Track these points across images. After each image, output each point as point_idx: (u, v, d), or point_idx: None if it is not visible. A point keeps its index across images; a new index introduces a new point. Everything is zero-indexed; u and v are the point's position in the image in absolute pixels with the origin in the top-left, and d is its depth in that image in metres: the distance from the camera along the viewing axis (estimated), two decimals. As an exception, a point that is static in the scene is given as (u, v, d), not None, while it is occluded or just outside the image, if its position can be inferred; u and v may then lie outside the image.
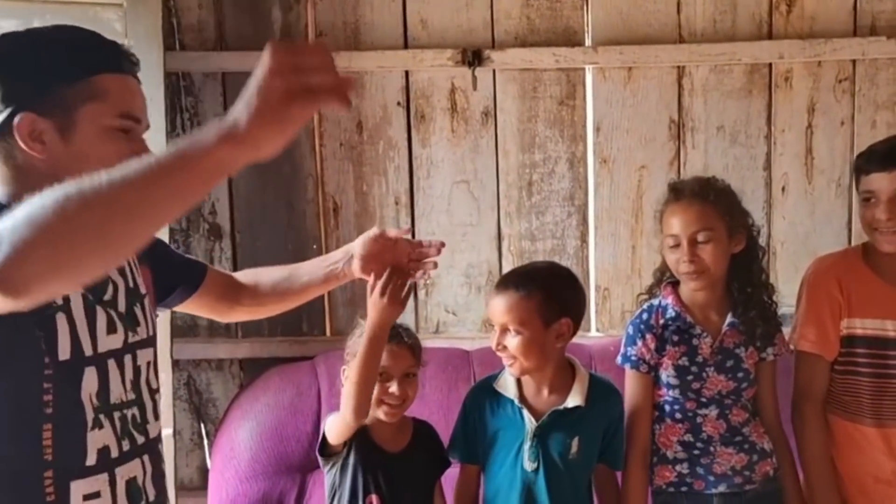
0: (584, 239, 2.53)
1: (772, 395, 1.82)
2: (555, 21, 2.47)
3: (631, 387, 1.79)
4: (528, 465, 1.67)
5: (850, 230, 2.49)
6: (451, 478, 1.83)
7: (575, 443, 1.68)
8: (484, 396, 1.74)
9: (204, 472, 2.55)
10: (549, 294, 1.66)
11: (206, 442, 2.56)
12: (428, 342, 2.46)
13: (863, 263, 1.80)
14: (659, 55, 2.44)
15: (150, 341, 1.29)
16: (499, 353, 1.68)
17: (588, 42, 2.48)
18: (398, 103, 2.49)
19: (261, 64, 0.87)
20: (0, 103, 1.11)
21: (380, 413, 1.71)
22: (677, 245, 1.71)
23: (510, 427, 1.70)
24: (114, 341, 1.20)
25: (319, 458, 1.74)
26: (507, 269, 2.51)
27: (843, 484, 1.81)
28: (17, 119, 1.11)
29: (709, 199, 1.72)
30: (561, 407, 1.69)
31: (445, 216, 2.52)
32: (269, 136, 0.87)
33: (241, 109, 0.87)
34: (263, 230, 2.53)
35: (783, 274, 2.48)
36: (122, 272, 1.25)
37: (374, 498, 1.70)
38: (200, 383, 2.57)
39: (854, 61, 2.44)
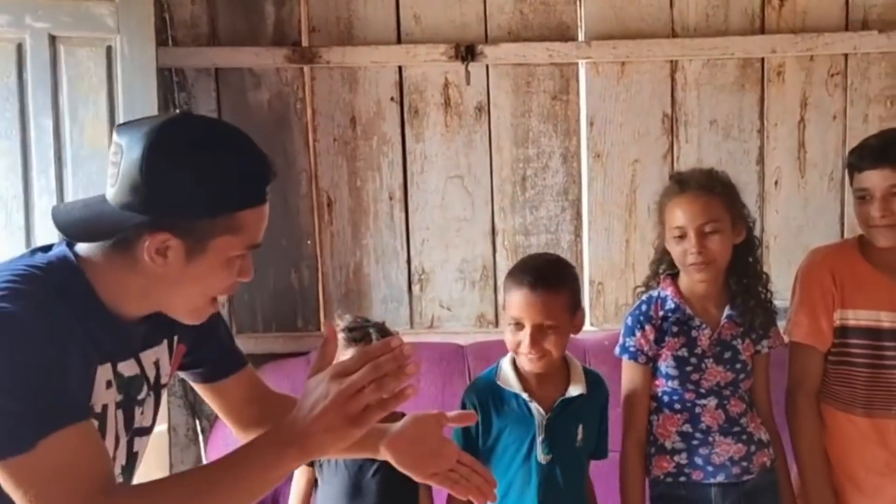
0: (577, 233, 2.54)
1: (765, 387, 1.83)
2: (548, 16, 2.47)
3: (629, 377, 1.80)
4: (543, 458, 1.68)
5: (842, 224, 2.50)
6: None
7: (580, 430, 1.71)
8: (486, 394, 1.73)
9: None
10: (572, 288, 1.72)
11: (201, 438, 2.55)
12: (422, 337, 2.49)
13: (859, 255, 1.81)
14: (652, 50, 2.45)
15: (150, 430, 1.25)
16: (523, 350, 1.66)
17: (581, 37, 2.48)
18: (392, 98, 2.49)
19: (328, 381, 1.00)
20: (140, 205, 1.05)
21: None
22: (683, 236, 1.72)
23: (517, 422, 1.70)
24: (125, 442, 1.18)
25: None
26: (501, 264, 2.51)
27: (835, 474, 1.82)
28: (152, 235, 1.05)
29: (715, 190, 1.74)
30: (567, 396, 1.71)
31: (439, 211, 2.52)
32: (332, 448, 1.02)
33: (306, 427, 1.00)
34: (257, 226, 2.52)
35: (776, 267, 2.48)
36: (157, 364, 1.21)
37: None
38: (195, 381, 2.56)
39: (846, 55, 2.45)
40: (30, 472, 0.98)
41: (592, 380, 1.77)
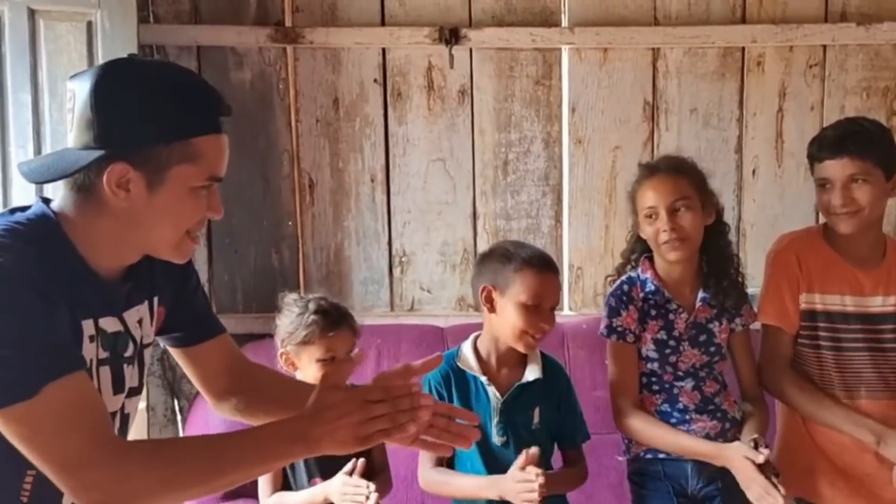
0: (558, 218, 2.56)
1: (748, 363, 1.88)
2: (532, 1, 2.48)
3: (617, 358, 1.82)
4: (498, 440, 1.71)
5: (817, 213, 2.53)
6: (405, 455, 1.82)
7: (536, 413, 1.74)
8: (449, 374, 1.76)
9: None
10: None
11: (178, 418, 2.55)
12: (402, 319, 2.50)
13: (823, 241, 1.85)
14: (634, 37, 2.46)
15: (139, 389, 1.26)
16: (533, 332, 1.69)
17: (565, 23, 2.49)
18: (375, 80, 2.49)
19: (344, 399, 1.09)
20: (94, 141, 1.07)
21: None
22: (655, 216, 1.76)
23: (475, 405, 1.73)
24: (116, 402, 1.18)
25: None
26: (481, 247, 2.52)
27: (810, 452, 1.85)
28: (110, 168, 1.07)
29: (683, 171, 1.79)
30: (524, 381, 1.74)
31: (421, 194, 2.53)
32: (331, 451, 1.10)
33: (320, 435, 1.08)
34: (238, 206, 2.51)
35: (752, 254, 2.52)
36: (140, 323, 1.22)
37: (317, 480, 1.75)
38: (174, 359, 2.54)
39: (825, 47, 2.48)
40: (36, 419, 1.00)
41: (551, 365, 1.80)
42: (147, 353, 1.27)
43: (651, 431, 1.78)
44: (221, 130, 1.15)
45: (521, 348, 1.73)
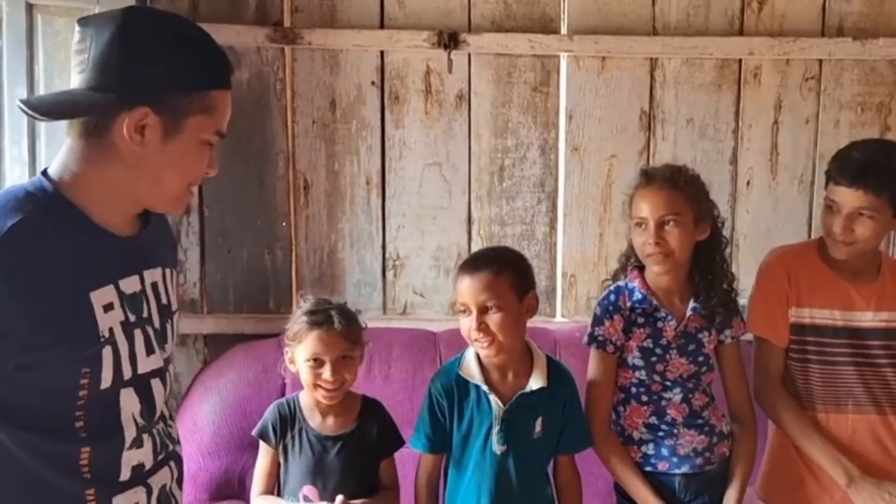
0: (552, 225, 2.56)
1: (739, 376, 1.86)
2: (531, 7, 2.48)
3: (595, 366, 1.82)
4: (498, 449, 1.70)
5: (810, 225, 2.55)
6: (404, 459, 1.84)
7: (538, 423, 1.73)
8: (450, 383, 1.75)
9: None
10: (517, 269, 1.73)
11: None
12: (395, 323, 2.50)
13: (817, 256, 1.85)
14: (633, 46, 2.47)
15: (173, 357, 1.29)
16: (474, 337, 1.68)
17: (564, 30, 2.49)
18: (372, 83, 2.49)
19: None
20: (115, 83, 1.08)
21: (318, 396, 1.73)
22: (644, 227, 1.75)
23: (477, 413, 1.72)
24: (154, 361, 1.20)
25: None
26: (475, 252, 2.53)
27: (797, 466, 1.86)
28: (133, 110, 1.08)
29: (679, 185, 1.76)
30: (527, 389, 1.72)
31: (416, 198, 2.52)
32: None
33: None
34: (232, 205, 2.50)
35: (745, 266, 2.53)
36: (154, 288, 1.23)
37: (307, 489, 1.73)
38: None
39: (821, 61, 2.50)
40: None
41: (557, 373, 1.78)
42: (173, 319, 1.27)
43: (613, 463, 1.79)
44: (230, 88, 1.19)
45: (481, 356, 1.73)
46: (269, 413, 1.80)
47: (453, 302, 2.54)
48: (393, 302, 2.56)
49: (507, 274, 1.69)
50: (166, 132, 1.11)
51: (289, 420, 1.77)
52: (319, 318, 1.72)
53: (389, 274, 2.56)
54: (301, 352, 1.73)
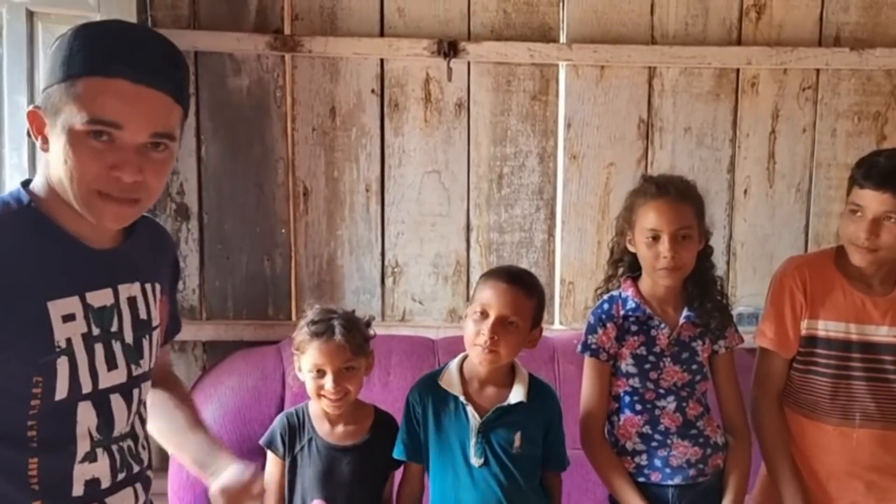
0: (551, 233, 2.57)
1: (732, 387, 1.86)
2: (531, 16, 2.49)
3: (589, 374, 1.83)
4: (475, 461, 1.70)
5: (807, 234, 2.57)
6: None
7: (517, 437, 1.72)
8: (427, 393, 1.75)
9: (164, 454, 2.50)
10: (541, 301, 1.76)
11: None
12: (393, 330, 2.51)
13: (833, 267, 1.84)
14: (631, 55, 2.48)
15: (150, 374, 1.27)
16: (481, 341, 1.67)
17: (563, 39, 2.50)
18: (372, 91, 2.49)
19: None
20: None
21: (323, 405, 1.73)
22: (657, 239, 1.74)
23: (454, 424, 1.73)
24: (117, 376, 1.18)
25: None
26: (474, 260, 2.54)
27: (802, 477, 1.86)
28: (33, 115, 1.12)
29: (690, 199, 1.78)
30: (505, 403, 1.72)
31: (415, 205, 2.53)
32: None
33: None
34: (231, 212, 2.51)
35: (741, 274, 2.55)
36: (131, 302, 1.21)
37: (316, 503, 1.72)
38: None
39: (818, 70, 2.51)
40: None
41: (540, 391, 1.77)
42: (152, 336, 1.25)
43: (606, 472, 1.79)
44: (112, 75, 1.09)
45: (473, 360, 1.73)
46: (278, 422, 1.80)
47: (452, 309, 2.56)
48: (392, 309, 2.57)
49: (535, 301, 1.73)
50: (51, 130, 1.10)
51: (298, 429, 1.76)
52: (320, 328, 1.71)
53: (388, 281, 2.56)
54: (304, 362, 1.73)
